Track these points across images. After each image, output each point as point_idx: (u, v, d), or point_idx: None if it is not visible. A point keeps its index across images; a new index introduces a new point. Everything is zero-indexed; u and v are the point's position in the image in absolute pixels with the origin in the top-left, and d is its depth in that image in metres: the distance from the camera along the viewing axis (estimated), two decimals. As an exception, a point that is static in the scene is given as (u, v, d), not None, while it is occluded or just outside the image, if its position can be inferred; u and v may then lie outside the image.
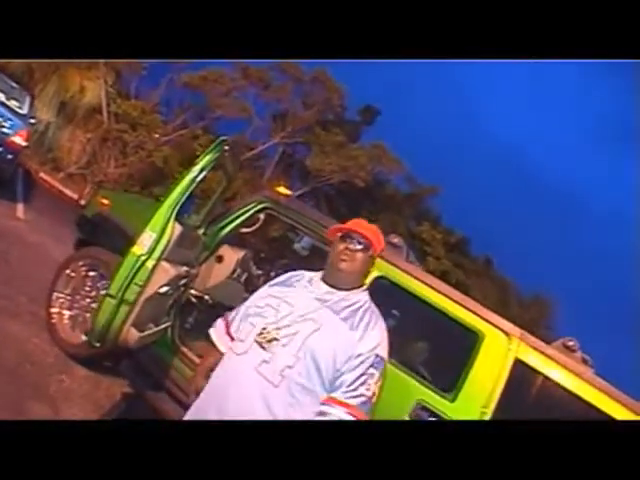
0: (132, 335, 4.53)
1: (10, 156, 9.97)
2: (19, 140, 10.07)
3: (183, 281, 5.02)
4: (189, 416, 2.73)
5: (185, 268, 4.96)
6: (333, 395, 2.52)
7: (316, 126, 20.02)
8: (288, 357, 2.49)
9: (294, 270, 2.96)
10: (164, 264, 4.55)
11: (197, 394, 2.84)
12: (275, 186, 5.80)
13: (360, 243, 2.72)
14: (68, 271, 5.76)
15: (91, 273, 5.73)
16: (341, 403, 2.50)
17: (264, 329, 2.56)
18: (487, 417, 4.17)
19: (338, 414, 2.48)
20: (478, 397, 4.26)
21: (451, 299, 4.58)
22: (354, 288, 2.73)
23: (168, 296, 4.82)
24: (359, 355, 2.53)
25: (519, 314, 20.30)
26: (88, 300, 5.65)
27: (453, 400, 4.28)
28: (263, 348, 2.52)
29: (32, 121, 11.00)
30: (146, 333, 4.68)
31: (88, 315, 5.38)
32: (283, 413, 2.48)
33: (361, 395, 2.52)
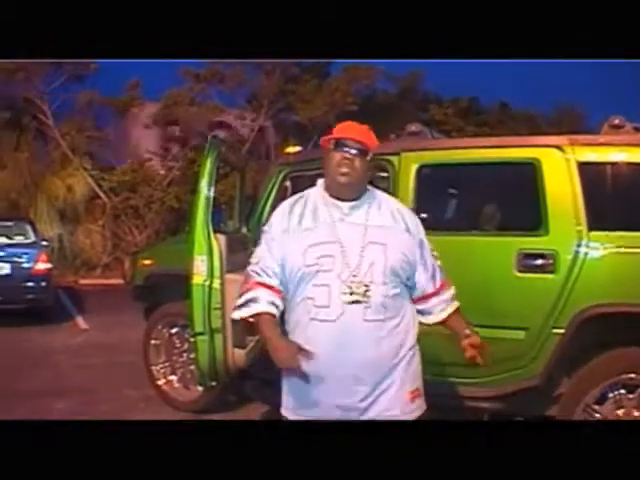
0: (239, 356, 4.51)
1: (43, 283, 10.04)
2: (42, 265, 10.14)
3: (255, 279, 4.91)
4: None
5: (250, 267, 4.87)
6: (426, 293, 2.64)
7: (288, 85, 19.66)
8: (381, 289, 2.45)
9: None
10: (229, 276, 4.51)
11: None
12: (284, 150, 5.78)
13: (355, 149, 2.51)
14: (152, 341, 5.76)
15: (173, 330, 5.71)
16: (435, 292, 2.65)
17: (344, 283, 2.42)
18: (584, 234, 4.09)
19: (439, 302, 2.66)
20: (566, 219, 4.18)
21: (491, 147, 4.57)
22: (362, 195, 2.60)
23: (251, 302, 4.72)
24: (420, 244, 2.61)
25: (556, 131, 19.73)
26: (185, 355, 5.61)
27: (547, 233, 4.21)
28: (358, 297, 2.42)
29: (44, 243, 10.97)
30: (250, 347, 4.63)
31: (193, 367, 5.32)
32: (391, 336, 2.51)
33: (436, 270, 2.66)
